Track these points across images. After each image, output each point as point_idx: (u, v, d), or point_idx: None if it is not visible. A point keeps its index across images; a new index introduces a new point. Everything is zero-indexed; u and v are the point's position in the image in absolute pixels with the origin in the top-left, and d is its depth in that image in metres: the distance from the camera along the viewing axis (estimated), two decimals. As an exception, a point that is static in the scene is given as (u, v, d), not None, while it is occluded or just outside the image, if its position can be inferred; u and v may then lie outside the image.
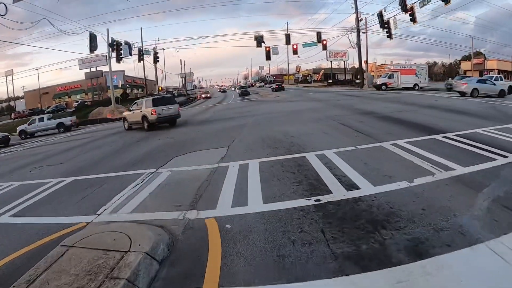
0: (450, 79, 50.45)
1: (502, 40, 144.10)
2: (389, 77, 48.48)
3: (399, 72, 48.46)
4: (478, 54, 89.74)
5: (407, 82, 47.99)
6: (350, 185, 7.27)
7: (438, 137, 11.65)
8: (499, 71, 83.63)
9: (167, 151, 13.41)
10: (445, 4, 32.37)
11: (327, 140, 12.43)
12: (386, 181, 7.41)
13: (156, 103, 22.21)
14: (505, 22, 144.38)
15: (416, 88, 47.23)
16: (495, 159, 8.65)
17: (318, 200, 6.57)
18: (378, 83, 49.29)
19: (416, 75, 48.94)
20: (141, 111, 22.64)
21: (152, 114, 21.50)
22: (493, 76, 36.50)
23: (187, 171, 9.88)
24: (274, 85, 77.36)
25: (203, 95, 76.18)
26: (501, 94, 31.30)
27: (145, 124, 22.13)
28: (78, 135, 28.19)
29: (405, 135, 12.27)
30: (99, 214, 7.15)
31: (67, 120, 35.90)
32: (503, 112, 18.47)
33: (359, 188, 7.06)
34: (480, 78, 35.63)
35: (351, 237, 5.03)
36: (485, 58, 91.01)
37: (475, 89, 31.11)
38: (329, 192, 6.98)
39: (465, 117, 16.63)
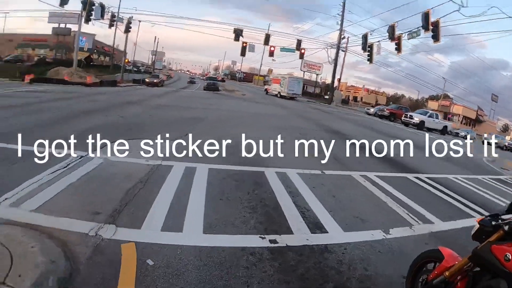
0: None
1: (471, 88, 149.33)
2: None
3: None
4: (446, 96, 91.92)
5: (274, 89, 58.15)
6: (316, 225, 5.87)
7: (410, 176, 10.86)
8: (464, 117, 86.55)
9: (110, 131, 11.62)
10: (434, 41, 31.99)
11: (291, 156, 11.16)
12: (358, 226, 6.14)
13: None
14: (478, 72, 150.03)
15: (278, 95, 55.15)
16: (472, 216, 7.91)
17: (275, 241, 5.08)
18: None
19: (280, 85, 56.42)
20: None
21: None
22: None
23: (123, 163, 8.20)
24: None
25: (165, 76, 74.94)
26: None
27: None
28: (27, 92, 25.81)
29: (376, 167, 11.37)
30: None
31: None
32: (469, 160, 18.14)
33: (327, 232, 5.68)
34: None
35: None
36: (452, 102, 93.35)
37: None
38: (289, 230, 5.53)
39: (433, 158, 16.58)
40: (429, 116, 38.38)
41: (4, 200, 5.59)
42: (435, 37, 32.24)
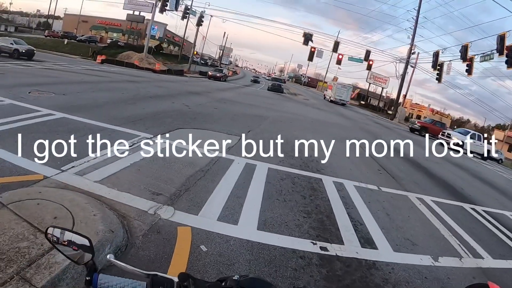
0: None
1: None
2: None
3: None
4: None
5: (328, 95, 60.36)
6: (367, 240, 5.82)
7: (466, 206, 10.35)
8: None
9: (176, 118, 12.09)
10: (508, 67, 30.50)
11: (349, 167, 11.03)
12: (408, 248, 6.00)
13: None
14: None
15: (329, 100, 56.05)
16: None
17: (325, 249, 5.11)
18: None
19: (332, 91, 57.93)
20: None
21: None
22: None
23: (186, 150, 8.51)
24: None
25: (231, 72, 75.00)
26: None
27: None
28: (99, 71, 27.06)
29: (432, 191, 10.94)
30: (63, 170, 5.84)
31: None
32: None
33: (377, 249, 5.61)
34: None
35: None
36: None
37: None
38: (340, 241, 5.53)
39: (489, 189, 15.75)
40: (471, 137, 32.63)
41: (72, 168, 6.05)
42: (510, 63, 30.75)
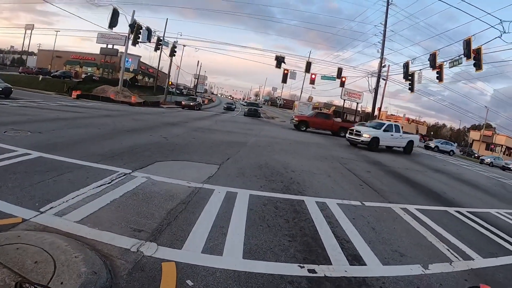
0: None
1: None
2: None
3: None
4: (488, 126, 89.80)
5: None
6: (354, 257, 5.79)
7: (451, 210, 10.52)
8: (507, 148, 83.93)
9: (153, 151, 11.98)
10: (476, 70, 31.20)
11: (331, 185, 11.04)
12: (396, 260, 5.99)
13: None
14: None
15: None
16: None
17: (313, 271, 5.05)
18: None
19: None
20: None
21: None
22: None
23: (165, 183, 8.38)
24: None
25: (206, 100, 76.26)
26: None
27: None
28: (75, 107, 26.84)
29: (415, 199, 11.11)
30: (41, 212, 5.70)
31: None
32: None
33: (365, 264, 5.58)
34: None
35: None
36: (495, 132, 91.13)
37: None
38: (327, 261, 5.47)
39: (472, 189, 16.11)
40: (386, 130, 26.85)
41: (50, 208, 5.92)
42: (477, 65, 31.36)
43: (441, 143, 55.07)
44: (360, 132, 25.69)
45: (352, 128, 27.57)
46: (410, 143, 28.86)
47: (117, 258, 4.57)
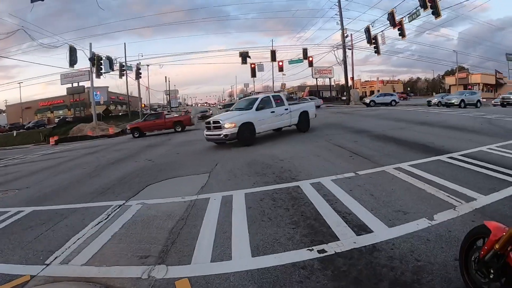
0: None
1: (485, 54, 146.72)
2: None
3: None
4: (461, 69, 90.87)
5: None
6: (360, 227, 5.85)
7: (443, 158, 10.60)
8: (484, 85, 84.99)
9: (143, 176, 11.93)
10: (436, 17, 31.61)
11: (322, 164, 11.11)
12: (401, 220, 6.06)
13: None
14: (488, 37, 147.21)
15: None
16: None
17: (323, 250, 5.09)
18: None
19: None
20: None
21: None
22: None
23: (161, 204, 8.35)
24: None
25: (183, 112, 74.76)
26: None
27: None
28: (55, 153, 26.63)
29: (406, 156, 11.17)
30: (47, 264, 5.63)
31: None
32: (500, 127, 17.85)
33: (372, 231, 5.64)
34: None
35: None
36: (469, 73, 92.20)
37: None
38: (334, 237, 5.53)
39: (460, 133, 16.22)
40: (260, 107, 17.92)
41: (55, 259, 5.84)
42: (436, 13, 31.81)
43: (466, 95, 41.30)
44: (219, 122, 16.90)
45: (208, 120, 18.33)
46: (304, 115, 20.33)
47: (131, 290, 4.56)
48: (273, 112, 18.27)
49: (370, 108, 45.08)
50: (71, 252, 6.04)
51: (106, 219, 7.64)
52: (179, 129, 32.85)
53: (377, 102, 50.68)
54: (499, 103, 42.74)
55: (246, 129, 16.78)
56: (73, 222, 7.76)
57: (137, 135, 32.69)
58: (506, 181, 7.88)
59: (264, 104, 18.18)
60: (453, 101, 39.39)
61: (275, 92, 49.06)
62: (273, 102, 18.59)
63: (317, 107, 52.52)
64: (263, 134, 19.77)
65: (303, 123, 20.33)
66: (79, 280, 4.95)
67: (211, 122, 17.55)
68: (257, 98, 18.75)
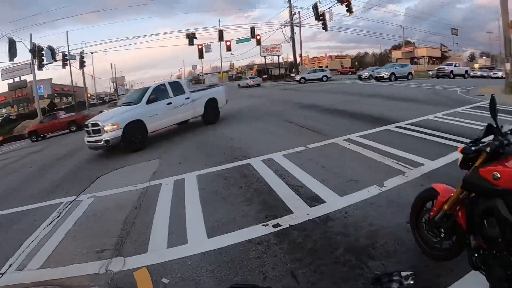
0: None
1: (431, 29, 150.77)
2: None
3: None
4: (408, 43, 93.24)
5: None
6: (312, 198, 5.97)
7: (391, 127, 10.99)
8: (430, 58, 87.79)
9: (92, 169, 11.56)
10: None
11: (272, 140, 11.29)
12: (353, 188, 6.24)
13: None
14: (433, 12, 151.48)
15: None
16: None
17: (278, 225, 5.17)
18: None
19: None
20: None
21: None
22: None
23: (113, 195, 8.16)
24: None
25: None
26: None
27: None
28: (0, 155, 25.49)
29: (355, 128, 11.49)
30: (3, 273, 5.33)
31: None
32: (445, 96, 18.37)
33: (324, 202, 5.79)
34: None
35: (333, 279, 3.72)
36: (415, 47, 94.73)
37: None
38: (288, 211, 5.62)
39: (408, 104, 16.73)
40: (152, 100, 14.22)
41: (9, 266, 5.52)
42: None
43: (396, 68, 42.18)
44: (98, 124, 13.29)
45: (87, 123, 14.16)
46: (211, 103, 16.95)
47: (90, 287, 4.45)
48: (170, 103, 14.88)
49: (321, 83, 45.57)
50: (26, 256, 5.77)
51: (58, 217, 7.36)
52: (74, 129, 30.40)
53: (308, 79, 51.05)
54: (435, 75, 44.69)
55: (135, 129, 13.28)
56: (25, 224, 7.39)
57: (35, 139, 30.12)
58: (453, 146, 8.13)
59: (158, 94, 14.60)
60: (382, 75, 40.24)
61: (206, 73, 47.49)
62: (170, 91, 15.23)
63: (257, 85, 52.53)
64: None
65: (210, 114, 16.83)
66: (36, 285, 4.76)
67: (89, 125, 13.70)
68: (148, 88, 15.17)
